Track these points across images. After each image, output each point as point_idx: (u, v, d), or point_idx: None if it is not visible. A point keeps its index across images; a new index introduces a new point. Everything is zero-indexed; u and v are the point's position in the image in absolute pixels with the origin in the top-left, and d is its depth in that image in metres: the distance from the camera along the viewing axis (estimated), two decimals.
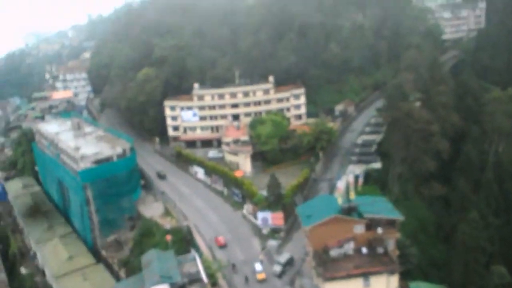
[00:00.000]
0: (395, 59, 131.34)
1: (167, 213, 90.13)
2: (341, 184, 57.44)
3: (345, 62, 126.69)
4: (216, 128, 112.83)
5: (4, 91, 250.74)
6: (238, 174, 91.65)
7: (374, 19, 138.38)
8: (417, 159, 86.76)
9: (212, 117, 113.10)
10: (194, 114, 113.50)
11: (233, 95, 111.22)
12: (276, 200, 79.44)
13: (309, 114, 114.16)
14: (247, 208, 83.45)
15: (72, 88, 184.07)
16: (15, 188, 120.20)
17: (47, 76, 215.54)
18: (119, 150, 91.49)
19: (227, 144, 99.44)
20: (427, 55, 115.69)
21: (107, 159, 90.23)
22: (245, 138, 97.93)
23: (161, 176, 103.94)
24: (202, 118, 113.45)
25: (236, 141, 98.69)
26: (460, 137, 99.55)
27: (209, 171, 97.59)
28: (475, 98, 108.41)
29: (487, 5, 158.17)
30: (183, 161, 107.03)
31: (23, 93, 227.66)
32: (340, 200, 56.72)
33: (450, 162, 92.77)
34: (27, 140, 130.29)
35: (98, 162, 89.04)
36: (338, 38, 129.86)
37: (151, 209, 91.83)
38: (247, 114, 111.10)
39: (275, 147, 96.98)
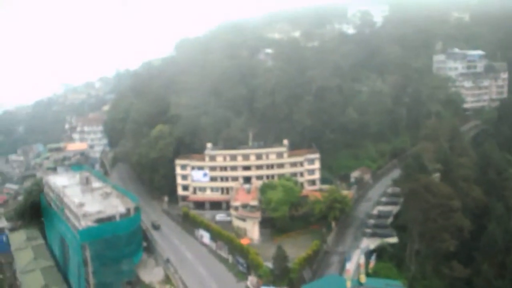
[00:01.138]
0: (415, 126, 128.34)
1: (167, 280, 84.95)
2: (350, 266, 52.46)
3: (363, 127, 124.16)
4: (227, 190, 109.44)
5: (29, 137, 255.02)
6: (244, 241, 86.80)
7: (394, 85, 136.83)
8: (436, 236, 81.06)
9: (223, 178, 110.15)
10: (205, 174, 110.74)
11: (246, 157, 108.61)
12: (282, 274, 73.99)
13: (324, 180, 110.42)
14: (251, 280, 77.88)
15: (89, 140, 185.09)
16: (19, 240, 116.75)
17: (66, 126, 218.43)
18: (122, 209, 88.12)
19: (236, 208, 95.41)
20: (447, 124, 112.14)
21: (110, 218, 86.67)
22: (254, 203, 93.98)
23: (155, 227, 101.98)
24: (213, 178, 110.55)
25: (245, 206, 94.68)
26: (483, 213, 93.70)
27: (214, 236, 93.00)
28: (498, 171, 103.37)
29: (509, 75, 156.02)
30: (189, 223, 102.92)
31: (47, 140, 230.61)
32: (349, 284, 51.51)
33: (472, 240, 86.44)
34: (38, 190, 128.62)
35: (100, 221, 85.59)
36: (356, 102, 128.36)
37: (151, 275, 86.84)
38: (259, 177, 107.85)
39: (285, 214, 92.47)
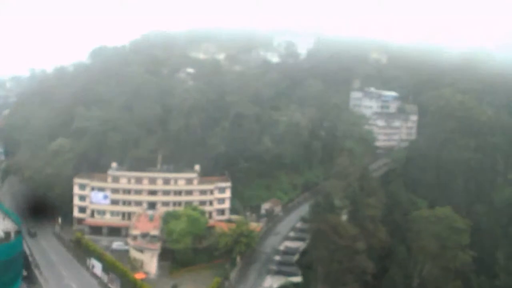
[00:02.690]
0: (329, 161, 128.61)
1: None
2: None
3: (278, 158, 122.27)
4: (128, 215, 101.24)
5: None
6: (139, 276, 79.20)
7: (311, 118, 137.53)
8: (340, 278, 79.57)
9: (125, 202, 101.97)
10: (105, 197, 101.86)
11: (152, 180, 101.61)
12: None
13: (233, 210, 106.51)
14: None
15: None
16: None
17: None
18: (0, 233, 77.08)
19: (134, 237, 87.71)
20: (358, 162, 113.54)
21: None
22: (155, 232, 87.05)
23: (31, 234, 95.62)
24: (114, 202, 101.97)
25: (144, 235, 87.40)
26: (387, 254, 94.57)
27: (108, 267, 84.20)
28: (403, 212, 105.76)
29: (418, 118, 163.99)
30: (82, 250, 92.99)
31: None
32: None
33: (375, 283, 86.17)
34: None
35: None
36: (273, 132, 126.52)
37: None
38: (165, 203, 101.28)
39: (188, 247, 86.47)
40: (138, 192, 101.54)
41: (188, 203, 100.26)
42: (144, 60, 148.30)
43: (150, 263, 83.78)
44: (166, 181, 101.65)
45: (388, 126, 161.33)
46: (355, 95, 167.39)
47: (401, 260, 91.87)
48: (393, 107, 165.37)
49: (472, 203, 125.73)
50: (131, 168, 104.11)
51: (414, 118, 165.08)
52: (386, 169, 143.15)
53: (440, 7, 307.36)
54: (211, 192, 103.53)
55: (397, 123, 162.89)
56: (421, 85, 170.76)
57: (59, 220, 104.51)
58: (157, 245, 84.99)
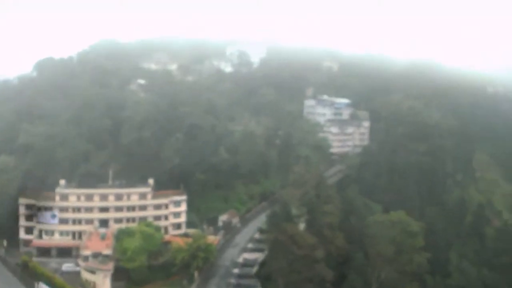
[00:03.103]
0: (285, 169, 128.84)
1: None
2: None
3: (234, 168, 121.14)
4: (79, 234, 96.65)
5: None
6: None
7: (266, 127, 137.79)
8: (300, 287, 78.74)
9: (75, 221, 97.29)
10: (54, 216, 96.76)
11: (104, 197, 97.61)
12: None
13: (190, 224, 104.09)
14: None
15: None
16: None
17: None
18: None
19: (85, 258, 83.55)
20: (314, 170, 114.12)
21: None
22: (107, 251, 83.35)
23: None
24: (63, 221, 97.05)
25: (96, 255, 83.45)
26: (345, 260, 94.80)
27: None
28: (359, 218, 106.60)
29: (370, 124, 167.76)
30: (29, 274, 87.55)
31: None
32: None
33: None
34: None
35: None
36: (229, 142, 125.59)
37: None
38: (118, 220, 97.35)
39: (143, 265, 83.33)
40: (89, 209, 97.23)
41: (143, 219, 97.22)
42: (93, 72, 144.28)
43: (103, 284, 79.94)
44: (118, 197, 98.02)
45: (342, 132, 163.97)
46: (309, 103, 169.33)
47: (359, 266, 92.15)
48: (346, 114, 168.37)
49: (425, 205, 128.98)
50: (81, 185, 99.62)
51: (366, 124, 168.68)
52: (341, 175, 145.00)
53: (389, 17, 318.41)
54: (166, 206, 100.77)
55: (350, 130, 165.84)
56: (372, 92, 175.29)
57: (4, 242, 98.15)
58: (110, 265, 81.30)
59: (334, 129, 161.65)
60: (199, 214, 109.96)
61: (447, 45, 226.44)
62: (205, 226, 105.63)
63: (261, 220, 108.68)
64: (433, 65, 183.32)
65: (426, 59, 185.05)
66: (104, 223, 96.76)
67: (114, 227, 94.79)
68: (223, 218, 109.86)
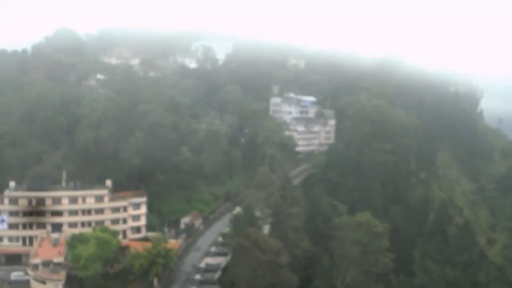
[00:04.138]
0: (250, 169, 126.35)
1: None
2: None
3: (197, 168, 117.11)
4: (30, 240, 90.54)
5: None
6: None
7: (231, 125, 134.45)
8: None
9: (26, 226, 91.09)
10: (2, 221, 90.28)
11: (57, 200, 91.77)
12: None
13: (151, 227, 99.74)
14: None
15: None
16: None
17: None
18: None
19: (35, 266, 78.00)
20: (280, 170, 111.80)
21: None
22: (59, 259, 78.05)
23: None
24: (12, 225, 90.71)
25: (46, 263, 78.02)
26: (311, 263, 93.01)
27: None
28: (325, 219, 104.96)
29: (336, 123, 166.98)
30: None
31: None
32: None
33: None
34: None
35: None
36: (192, 141, 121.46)
37: None
38: (72, 224, 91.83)
39: (97, 273, 78.61)
40: (41, 213, 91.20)
41: (99, 223, 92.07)
42: (48, 66, 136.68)
43: None
44: (73, 200, 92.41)
45: (308, 131, 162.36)
46: (275, 100, 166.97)
47: (325, 269, 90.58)
48: (312, 112, 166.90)
49: (390, 204, 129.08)
50: (32, 187, 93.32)
51: (332, 122, 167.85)
52: (307, 174, 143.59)
53: (354, 14, 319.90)
54: (125, 209, 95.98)
55: (316, 128, 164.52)
56: (338, 90, 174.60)
57: None
58: (62, 274, 76.20)
59: (300, 128, 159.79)
60: (160, 216, 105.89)
61: (411, 44, 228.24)
62: (166, 229, 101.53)
63: (225, 222, 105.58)
64: (397, 63, 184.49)
65: (391, 57, 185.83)
66: (57, 227, 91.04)
67: (68, 232, 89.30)
68: (185, 220, 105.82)
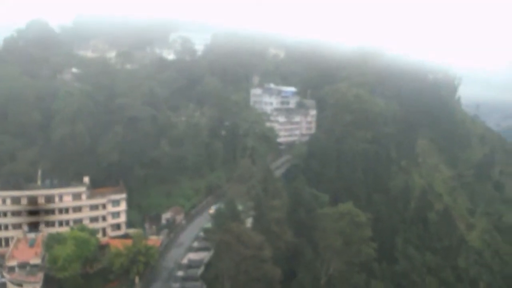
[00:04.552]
0: (231, 161, 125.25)
1: None
2: None
3: (178, 161, 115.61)
4: (6, 241, 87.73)
5: None
6: None
7: (211, 117, 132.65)
8: None
9: (1, 227, 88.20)
10: None
11: (32, 199, 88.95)
12: None
13: (131, 223, 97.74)
14: None
15: None
16: None
17: None
18: None
19: (11, 269, 75.57)
20: (261, 162, 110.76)
21: None
22: (36, 261, 75.72)
23: None
24: None
25: (23, 265, 75.62)
26: (294, 255, 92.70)
27: None
28: (308, 210, 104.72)
29: (317, 113, 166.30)
30: None
31: None
32: None
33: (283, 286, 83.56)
34: None
35: None
36: (172, 134, 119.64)
37: None
38: (49, 224, 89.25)
39: (76, 273, 76.58)
40: (16, 213, 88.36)
41: (78, 221, 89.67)
42: (21, 60, 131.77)
43: None
44: (49, 199, 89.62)
45: (289, 121, 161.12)
46: (255, 91, 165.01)
47: (308, 261, 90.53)
48: (292, 102, 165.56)
49: (371, 192, 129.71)
50: (6, 186, 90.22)
51: (313, 112, 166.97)
52: (289, 165, 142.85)
53: (334, 3, 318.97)
54: (104, 206, 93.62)
55: (297, 118, 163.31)
56: (319, 80, 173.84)
57: None
58: (39, 276, 73.96)
59: (281, 118, 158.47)
60: (141, 212, 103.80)
61: (390, 33, 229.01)
62: (147, 225, 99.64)
63: (207, 216, 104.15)
64: (376, 52, 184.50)
65: (370, 46, 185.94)
66: (34, 227, 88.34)
67: (45, 231, 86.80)
68: (166, 215, 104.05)
